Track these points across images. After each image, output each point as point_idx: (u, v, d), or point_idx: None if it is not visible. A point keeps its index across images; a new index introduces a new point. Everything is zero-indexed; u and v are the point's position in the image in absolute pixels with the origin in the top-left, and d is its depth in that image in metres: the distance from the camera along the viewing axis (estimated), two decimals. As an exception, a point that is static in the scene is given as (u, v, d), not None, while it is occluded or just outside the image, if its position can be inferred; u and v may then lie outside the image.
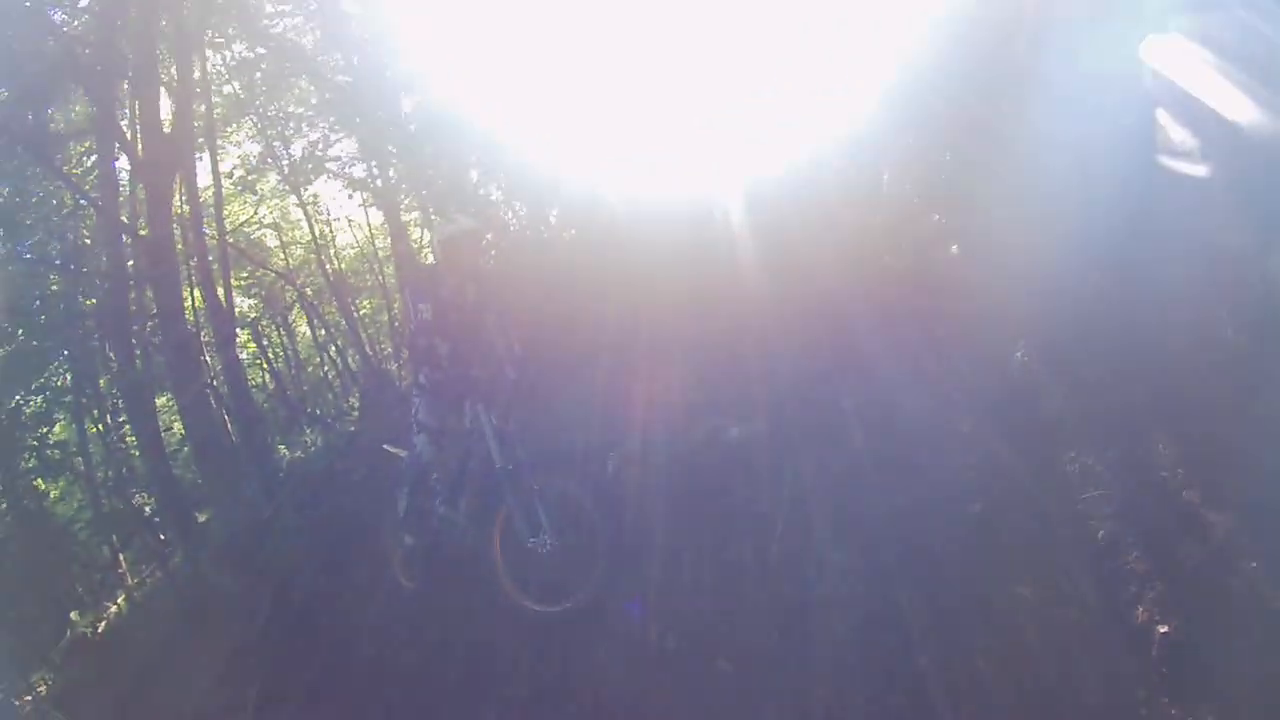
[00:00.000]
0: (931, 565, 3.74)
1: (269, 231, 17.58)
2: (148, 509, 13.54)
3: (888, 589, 3.80)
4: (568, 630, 4.87)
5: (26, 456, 12.91)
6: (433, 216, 9.13)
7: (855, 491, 4.23)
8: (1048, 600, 3.34)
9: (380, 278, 16.82)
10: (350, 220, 17.28)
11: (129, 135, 11.98)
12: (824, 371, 4.80)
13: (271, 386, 19.17)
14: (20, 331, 13.46)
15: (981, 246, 4.80)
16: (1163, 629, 3.06)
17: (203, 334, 13.96)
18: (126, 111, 12.55)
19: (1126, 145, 4.00)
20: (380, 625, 6.36)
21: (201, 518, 12.04)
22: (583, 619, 4.83)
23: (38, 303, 13.89)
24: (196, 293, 13.87)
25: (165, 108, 12.19)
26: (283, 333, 19.99)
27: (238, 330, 15.77)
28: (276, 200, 16.69)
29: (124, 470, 14.51)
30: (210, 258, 13.67)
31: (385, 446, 6.66)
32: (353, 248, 18.19)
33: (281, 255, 17.61)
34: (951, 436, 4.15)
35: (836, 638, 3.79)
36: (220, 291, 13.40)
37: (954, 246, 4.98)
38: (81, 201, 12.71)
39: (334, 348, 18.82)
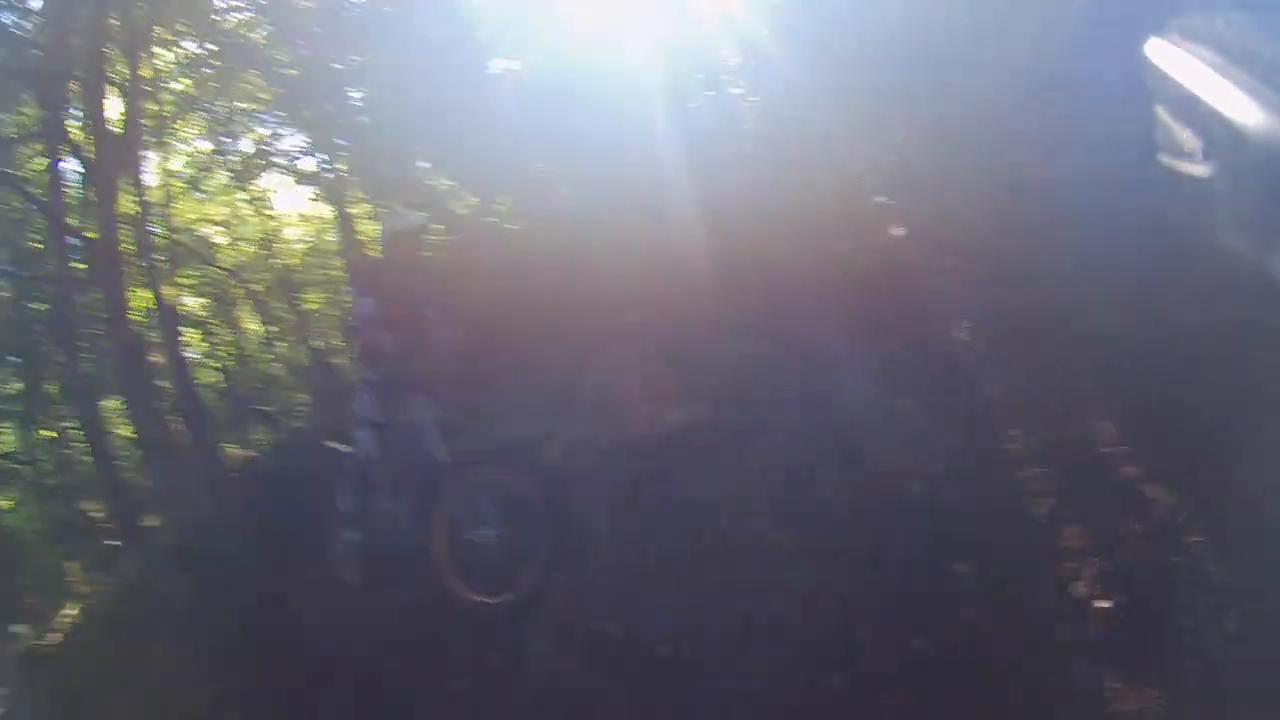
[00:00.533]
0: (875, 545, 3.69)
1: (218, 229, 17.37)
2: (98, 514, 13.32)
3: (832, 570, 3.74)
4: (512, 621, 4.79)
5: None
6: (381, 209, 9.02)
7: (799, 474, 4.17)
8: (989, 577, 3.29)
9: (330, 272, 16.64)
10: (301, 215, 17.13)
11: (79, 136, 11.79)
12: (768, 355, 4.74)
13: (221, 384, 18.91)
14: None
15: (926, 229, 4.78)
16: (1103, 604, 3.02)
17: (152, 334, 13.76)
18: (75, 112, 12.36)
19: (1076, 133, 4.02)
20: (327, 623, 6.24)
21: (151, 521, 11.83)
22: (526, 609, 4.74)
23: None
24: (145, 293, 13.67)
25: (115, 107, 12.02)
26: (232, 330, 19.71)
27: (186, 329, 15.58)
28: (225, 196, 16.49)
29: (74, 476, 14.30)
30: (160, 257, 13.49)
31: (328, 443, 6.53)
32: (303, 241, 17.99)
33: (231, 252, 17.39)
34: (894, 417, 4.10)
35: (780, 620, 3.72)
36: (169, 291, 13.22)
37: (898, 229, 4.95)
38: (32, 206, 12.49)
39: (284, 344, 18.60)
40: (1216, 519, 2.99)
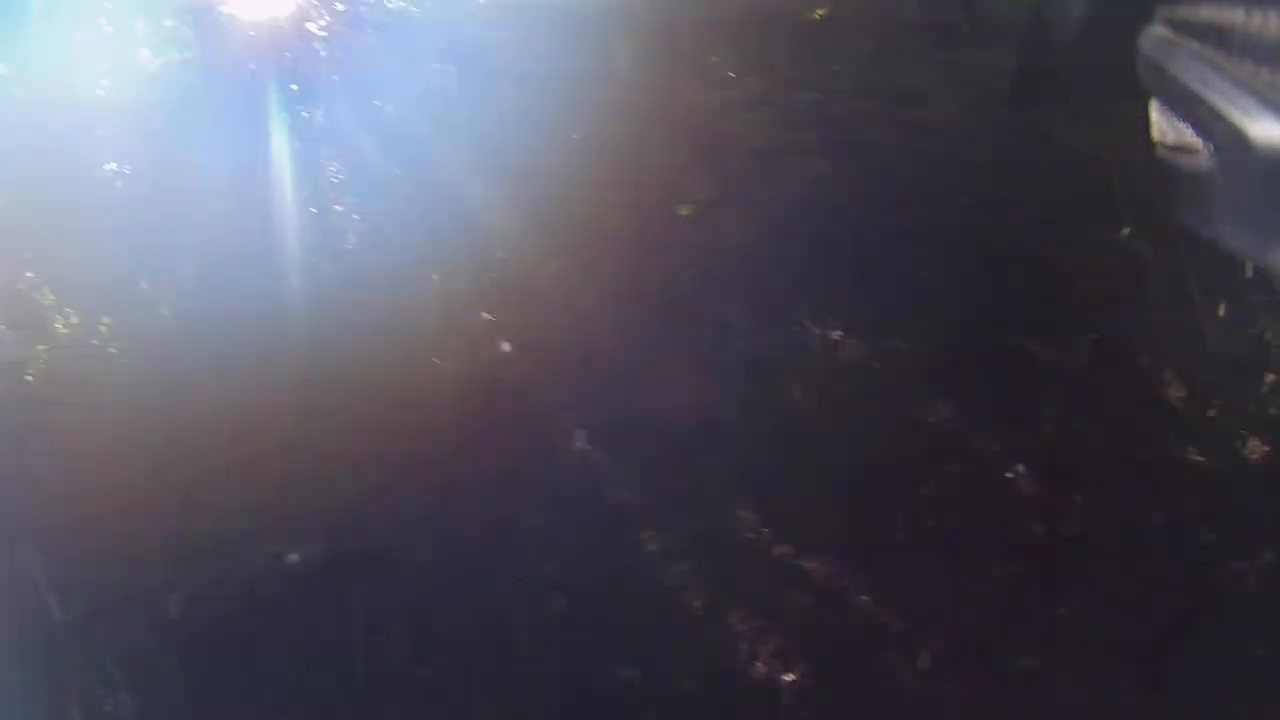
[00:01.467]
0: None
1: None
2: None
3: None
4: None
5: None
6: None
7: (428, 603, 4.20)
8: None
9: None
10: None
11: None
12: (381, 483, 4.70)
13: None
14: None
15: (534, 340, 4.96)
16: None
17: None
18: None
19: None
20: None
21: None
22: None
23: None
24: None
25: None
26: None
27: None
28: None
29: None
30: None
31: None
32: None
33: None
34: (517, 531, 4.23)
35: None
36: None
37: (505, 344, 5.07)
38: None
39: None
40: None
